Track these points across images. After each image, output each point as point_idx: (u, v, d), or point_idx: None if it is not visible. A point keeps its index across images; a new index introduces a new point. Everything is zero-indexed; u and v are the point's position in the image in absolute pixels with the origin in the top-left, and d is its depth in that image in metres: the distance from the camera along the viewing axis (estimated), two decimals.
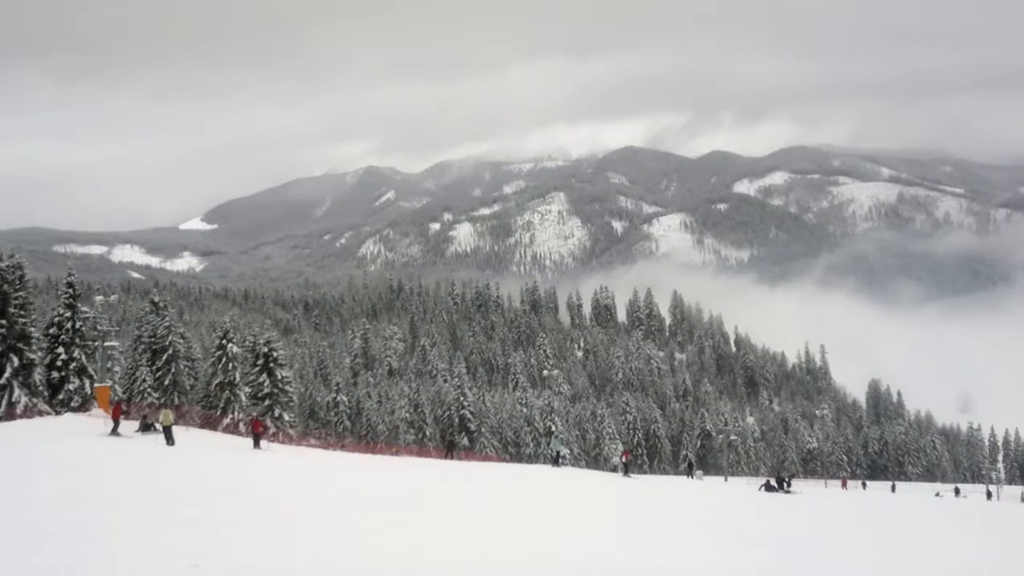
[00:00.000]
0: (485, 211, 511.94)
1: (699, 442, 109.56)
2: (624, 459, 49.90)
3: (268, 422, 56.08)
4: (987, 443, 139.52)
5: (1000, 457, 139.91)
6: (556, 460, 53.62)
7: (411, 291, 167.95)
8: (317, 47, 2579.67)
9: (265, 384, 59.66)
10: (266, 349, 60.67)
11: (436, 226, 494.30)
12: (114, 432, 36.24)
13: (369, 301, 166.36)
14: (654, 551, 17.87)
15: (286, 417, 59.89)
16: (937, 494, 70.70)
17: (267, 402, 59.10)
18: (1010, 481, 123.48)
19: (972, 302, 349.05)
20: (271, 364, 60.22)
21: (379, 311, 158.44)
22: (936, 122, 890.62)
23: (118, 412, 37.69)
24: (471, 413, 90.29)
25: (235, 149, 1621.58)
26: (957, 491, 76.29)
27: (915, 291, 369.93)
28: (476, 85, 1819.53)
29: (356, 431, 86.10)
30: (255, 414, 54.25)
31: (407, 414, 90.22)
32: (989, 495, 73.83)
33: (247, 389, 59.72)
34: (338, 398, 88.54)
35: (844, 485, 74.80)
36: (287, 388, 61.10)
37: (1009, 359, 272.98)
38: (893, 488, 74.44)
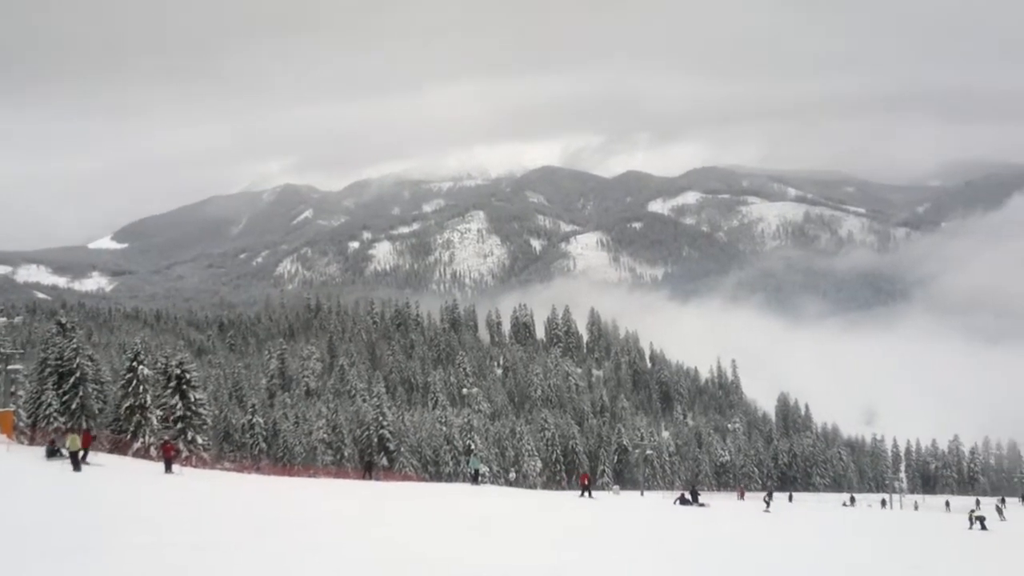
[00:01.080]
0: (404, 229, 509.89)
1: (616, 457, 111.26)
2: (584, 482, 52.09)
3: (181, 446, 54.90)
4: (890, 454, 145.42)
5: (903, 467, 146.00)
6: (475, 478, 54.05)
7: (329, 310, 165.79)
8: (234, 64, 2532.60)
9: (178, 407, 58.42)
10: (179, 371, 59.47)
11: (355, 244, 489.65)
12: (85, 462, 35.23)
13: (286, 321, 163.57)
14: (574, 567, 18.45)
15: (199, 440, 58.68)
16: (844, 504, 75.88)
17: (180, 425, 57.85)
18: (912, 490, 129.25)
19: (873, 316, 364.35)
20: (184, 386, 59.02)
21: (296, 331, 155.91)
22: (840, 145, 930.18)
23: (87, 441, 36.47)
24: (390, 433, 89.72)
25: (148, 166, 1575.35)
26: (852, 500, 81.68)
27: (820, 306, 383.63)
28: (395, 104, 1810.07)
29: (272, 453, 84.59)
30: (166, 437, 53.01)
31: (325, 435, 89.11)
32: (884, 504, 78.96)
33: (159, 412, 58.33)
34: (254, 420, 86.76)
35: (741, 496, 77.56)
36: (201, 411, 59.90)
37: (908, 372, 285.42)
38: (790, 498, 77.87)
